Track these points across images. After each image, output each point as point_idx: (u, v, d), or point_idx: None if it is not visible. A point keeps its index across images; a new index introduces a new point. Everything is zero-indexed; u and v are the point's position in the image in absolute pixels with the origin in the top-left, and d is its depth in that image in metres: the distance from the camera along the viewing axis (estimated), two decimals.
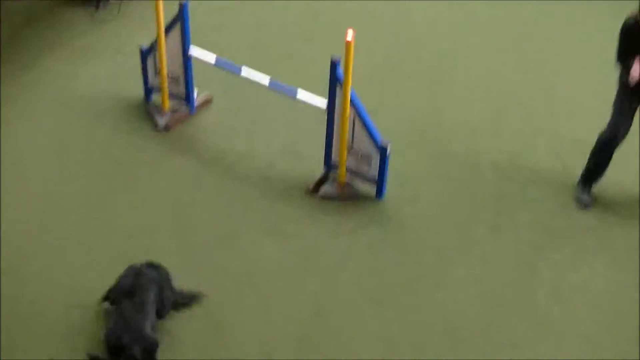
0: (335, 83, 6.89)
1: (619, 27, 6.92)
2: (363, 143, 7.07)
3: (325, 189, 7.32)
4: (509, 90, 8.68)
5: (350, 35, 6.59)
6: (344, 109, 6.91)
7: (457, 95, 8.57)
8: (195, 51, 7.61)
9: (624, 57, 6.94)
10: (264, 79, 7.37)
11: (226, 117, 8.11)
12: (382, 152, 6.99)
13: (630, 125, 7.11)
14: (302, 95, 7.20)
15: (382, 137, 6.99)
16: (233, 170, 7.51)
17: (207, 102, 8.22)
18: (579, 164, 7.52)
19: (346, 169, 7.27)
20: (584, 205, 7.34)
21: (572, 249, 6.95)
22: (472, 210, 7.26)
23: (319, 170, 7.41)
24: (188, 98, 7.98)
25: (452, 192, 7.44)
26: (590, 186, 7.40)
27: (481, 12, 9.93)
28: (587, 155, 7.32)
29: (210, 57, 7.57)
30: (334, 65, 6.83)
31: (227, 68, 7.53)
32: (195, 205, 7.18)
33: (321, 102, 7.12)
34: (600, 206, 7.33)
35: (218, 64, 7.55)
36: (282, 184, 7.39)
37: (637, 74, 6.78)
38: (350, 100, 6.88)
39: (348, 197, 7.29)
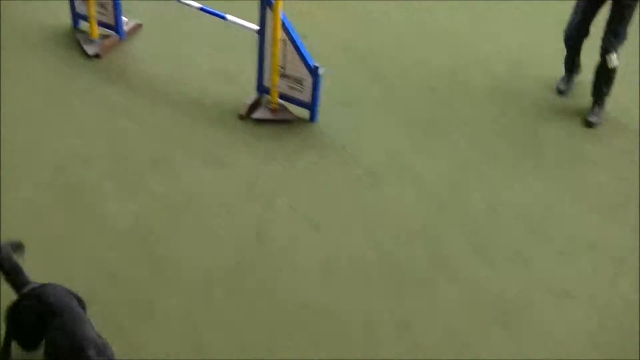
0: (265, 4, 6.79)
1: None
2: (295, 67, 7.00)
3: (258, 113, 7.26)
4: (442, 13, 8.64)
5: None
6: (275, 32, 6.82)
7: (390, 19, 8.50)
8: None
9: None
10: (194, 3, 7.25)
11: (157, 43, 7.96)
12: (315, 75, 6.94)
13: (586, 27, 7.30)
14: (233, 18, 7.09)
15: (314, 61, 6.95)
16: (165, 96, 7.40)
17: (136, 29, 8.06)
18: (515, 86, 7.58)
19: (279, 93, 7.21)
20: (557, 91, 7.67)
21: (505, 167, 7.02)
22: (406, 133, 7.26)
23: (252, 94, 7.34)
24: (117, 24, 7.81)
25: (386, 115, 7.43)
26: (567, 75, 7.68)
27: None
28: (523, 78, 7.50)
29: None
30: None
31: None
32: (128, 132, 7.07)
33: (252, 25, 7.03)
34: (532, 125, 7.40)
35: None
36: (215, 109, 7.31)
37: None
38: (282, 23, 6.80)
39: (281, 121, 7.25)
